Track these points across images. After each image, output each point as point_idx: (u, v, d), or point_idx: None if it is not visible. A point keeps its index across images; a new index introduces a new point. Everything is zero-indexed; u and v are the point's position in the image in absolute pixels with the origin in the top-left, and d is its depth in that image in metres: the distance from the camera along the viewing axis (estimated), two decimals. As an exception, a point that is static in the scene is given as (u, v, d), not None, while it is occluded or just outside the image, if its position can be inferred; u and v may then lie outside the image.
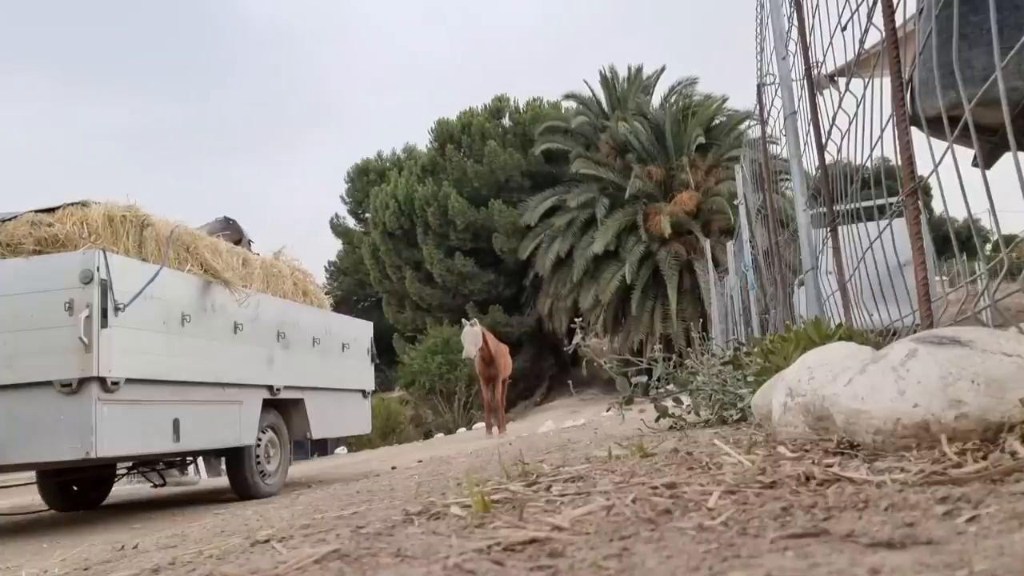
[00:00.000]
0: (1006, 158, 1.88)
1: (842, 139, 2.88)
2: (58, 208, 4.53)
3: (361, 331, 7.26)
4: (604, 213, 23.22)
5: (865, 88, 2.49)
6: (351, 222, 32.65)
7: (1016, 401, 1.22)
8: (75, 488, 5.82)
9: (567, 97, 26.98)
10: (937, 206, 17.30)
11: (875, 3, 2.32)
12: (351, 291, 31.44)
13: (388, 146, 39.73)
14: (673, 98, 25.28)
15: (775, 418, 1.88)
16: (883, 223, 2.62)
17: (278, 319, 5.70)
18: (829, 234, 3.53)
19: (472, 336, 11.00)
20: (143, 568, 1.36)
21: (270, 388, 5.49)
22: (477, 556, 0.94)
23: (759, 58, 5.05)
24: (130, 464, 6.05)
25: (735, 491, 1.18)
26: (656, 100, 26.21)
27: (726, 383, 3.51)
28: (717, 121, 24.84)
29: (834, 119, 3.03)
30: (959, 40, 1.76)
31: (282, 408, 5.81)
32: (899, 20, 2.29)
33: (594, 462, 1.88)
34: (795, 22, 3.77)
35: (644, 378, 4.12)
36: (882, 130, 2.36)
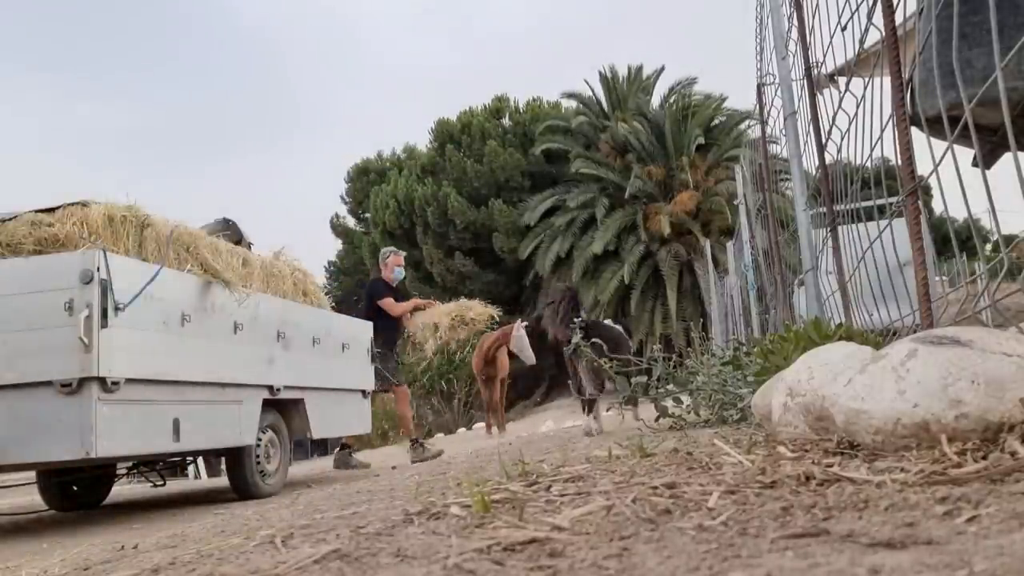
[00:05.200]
0: (1006, 158, 1.88)
1: (842, 139, 2.89)
2: (58, 208, 4.53)
3: (361, 331, 7.27)
4: (604, 213, 23.22)
5: (865, 88, 2.49)
6: (351, 222, 32.64)
7: (1016, 401, 1.22)
8: (75, 488, 5.82)
9: (567, 96, 26.98)
10: (937, 206, 17.31)
11: (875, 3, 2.32)
12: (351, 291, 31.44)
13: (388, 146, 39.66)
14: (673, 98, 25.27)
15: (775, 418, 1.88)
16: (883, 223, 2.62)
17: (278, 319, 5.70)
18: (829, 234, 3.53)
19: (526, 340, 10.60)
20: (143, 568, 1.36)
21: (270, 388, 5.49)
22: (477, 556, 0.94)
23: (759, 58, 5.05)
24: (130, 464, 6.06)
25: (735, 491, 1.18)
26: (656, 100, 26.21)
27: (726, 383, 3.51)
28: (717, 121, 24.84)
29: (834, 119, 3.03)
30: (959, 40, 1.75)
31: (282, 408, 5.81)
32: (899, 20, 2.29)
33: (594, 462, 1.88)
34: (795, 22, 3.77)
35: (644, 378, 4.13)
36: (882, 130, 2.36)
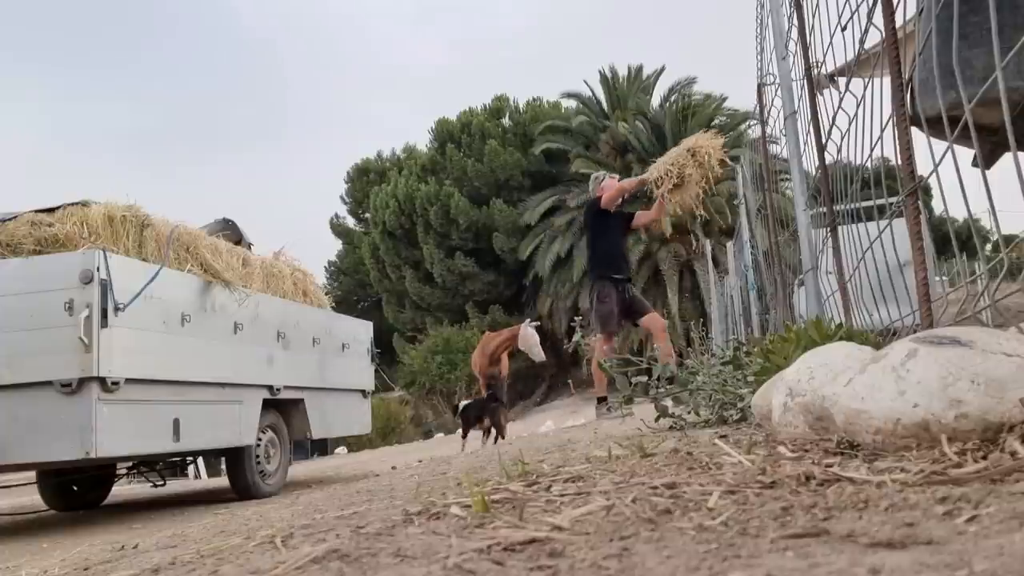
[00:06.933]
0: (1006, 158, 1.88)
1: (842, 139, 2.89)
2: (58, 208, 4.54)
3: (361, 331, 7.27)
4: (604, 213, 23.24)
5: (865, 88, 2.49)
6: (351, 222, 32.71)
7: (1016, 401, 1.22)
8: (75, 488, 5.83)
9: (567, 96, 27.01)
10: (937, 206, 17.31)
11: (875, 3, 2.32)
12: (351, 291, 31.45)
13: (388, 146, 39.79)
14: (673, 98, 25.31)
15: (775, 418, 1.88)
16: (883, 223, 2.62)
17: (278, 319, 5.70)
18: (829, 234, 3.53)
19: (536, 339, 9.91)
20: (143, 568, 1.36)
21: (270, 388, 5.49)
22: (477, 556, 0.94)
23: (759, 58, 5.05)
24: (130, 464, 6.06)
25: (735, 491, 1.18)
26: (656, 100, 26.26)
27: (726, 383, 3.50)
28: (717, 121, 24.85)
29: (834, 119, 3.03)
30: (959, 40, 1.75)
31: (282, 408, 5.81)
32: (899, 20, 2.29)
33: (594, 462, 1.88)
34: (795, 22, 3.77)
35: (644, 378, 4.12)
36: (882, 130, 2.36)
